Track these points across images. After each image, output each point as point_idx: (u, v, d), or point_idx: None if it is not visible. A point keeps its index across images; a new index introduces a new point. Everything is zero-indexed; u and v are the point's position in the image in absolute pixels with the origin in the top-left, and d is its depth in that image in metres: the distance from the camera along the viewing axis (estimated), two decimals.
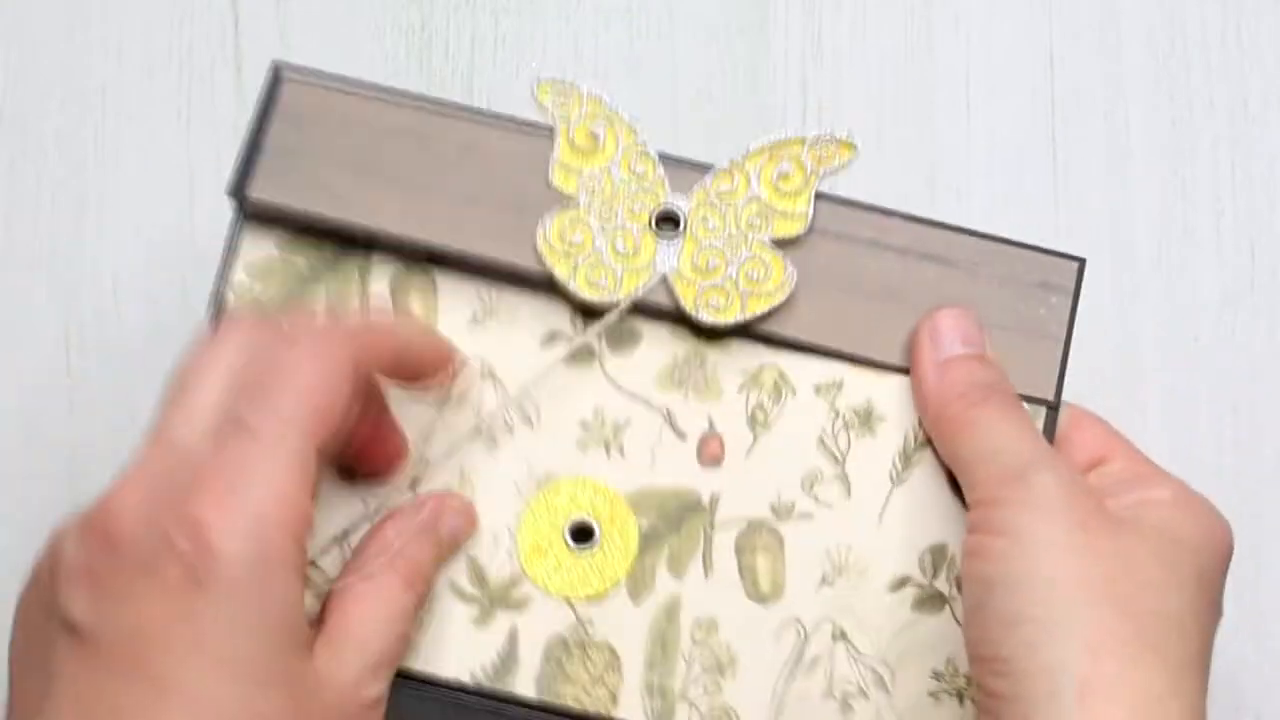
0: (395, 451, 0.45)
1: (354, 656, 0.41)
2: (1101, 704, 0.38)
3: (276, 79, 0.47)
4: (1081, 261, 0.47)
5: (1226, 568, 0.43)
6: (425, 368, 0.45)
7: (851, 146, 0.48)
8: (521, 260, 0.46)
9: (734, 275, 0.46)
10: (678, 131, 0.60)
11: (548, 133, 0.47)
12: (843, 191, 0.59)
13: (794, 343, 0.46)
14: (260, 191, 0.46)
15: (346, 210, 0.46)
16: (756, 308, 0.46)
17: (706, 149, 0.59)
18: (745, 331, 0.46)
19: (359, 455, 0.44)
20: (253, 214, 0.47)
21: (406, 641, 0.43)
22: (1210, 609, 0.42)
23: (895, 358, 0.46)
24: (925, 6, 0.61)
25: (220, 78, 0.60)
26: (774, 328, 0.46)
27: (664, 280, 0.46)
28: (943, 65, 0.60)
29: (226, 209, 0.59)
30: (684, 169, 0.47)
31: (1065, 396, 0.57)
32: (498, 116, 0.47)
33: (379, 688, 0.41)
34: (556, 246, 0.46)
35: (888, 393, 0.46)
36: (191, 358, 0.41)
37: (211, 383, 0.40)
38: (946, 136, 0.60)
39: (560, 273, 0.46)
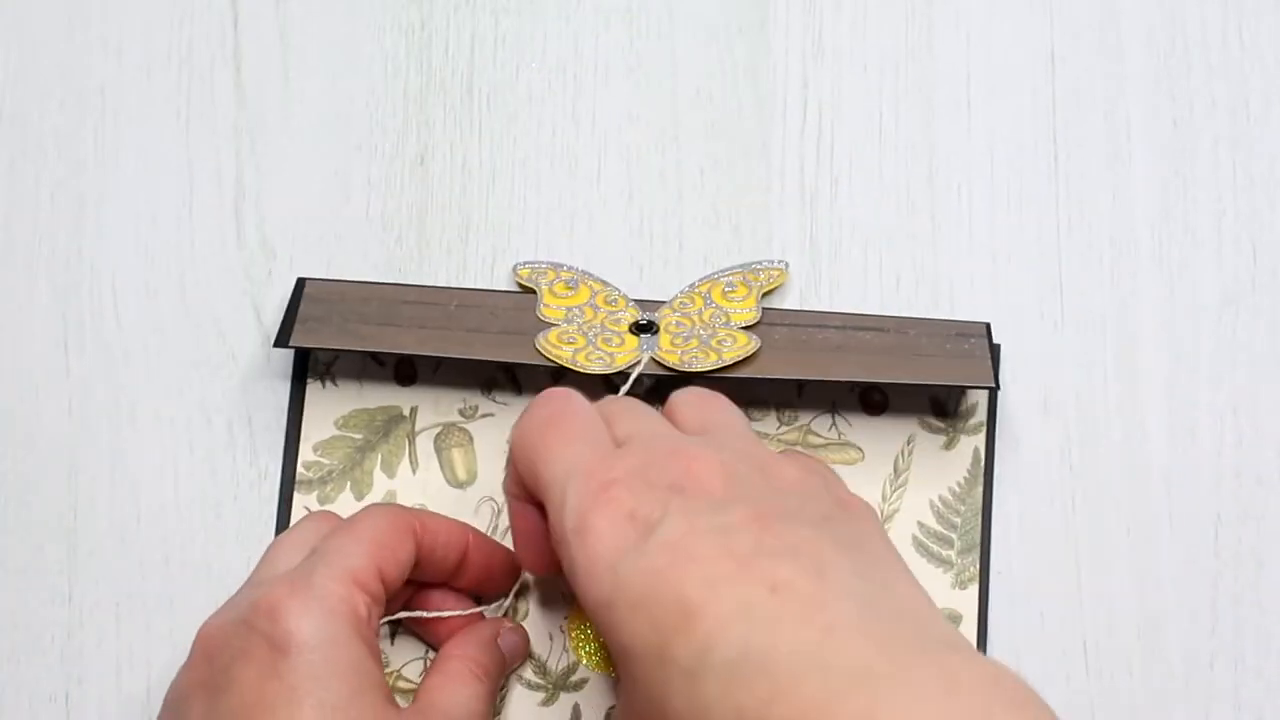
0: (504, 574, 0.54)
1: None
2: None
3: (300, 284, 0.56)
4: (987, 325, 0.55)
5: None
6: (487, 572, 0.53)
7: (785, 272, 0.57)
8: (528, 360, 0.54)
9: (709, 341, 0.54)
10: (678, 131, 0.60)
11: (531, 294, 0.56)
12: (844, 182, 0.59)
13: (766, 380, 0.54)
14: (299, 341, 0.54)
15: (370, 344, 0.54)
16: (733, 356, 0.54)
17: (706, 148, 0.60)
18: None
19: (475, 587, 0.53)
20: (309, 374, 0.56)
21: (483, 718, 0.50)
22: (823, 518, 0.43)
23: (849, 376, 0.54)
24: (925, 6, 0.61)
25: (220, 78, 0.60)
26: (747, 373, 0.54)
27: (651, 358, 0.54)
28: (943, 65, 0.60)
29: (226, 211, 0.59)
30: (648, 303, 0.56)
31: (1067, 396, 0.57)
32: (484, 290, 0.56)
33: None
34: (555, 346, 0.54)
35: (849, 478, 0.52)
36: (277, 540, 0.52)
37: (289, 547, 0.50)
38: (946, 136, 0.60)
39: (563, 358, 0.54)
